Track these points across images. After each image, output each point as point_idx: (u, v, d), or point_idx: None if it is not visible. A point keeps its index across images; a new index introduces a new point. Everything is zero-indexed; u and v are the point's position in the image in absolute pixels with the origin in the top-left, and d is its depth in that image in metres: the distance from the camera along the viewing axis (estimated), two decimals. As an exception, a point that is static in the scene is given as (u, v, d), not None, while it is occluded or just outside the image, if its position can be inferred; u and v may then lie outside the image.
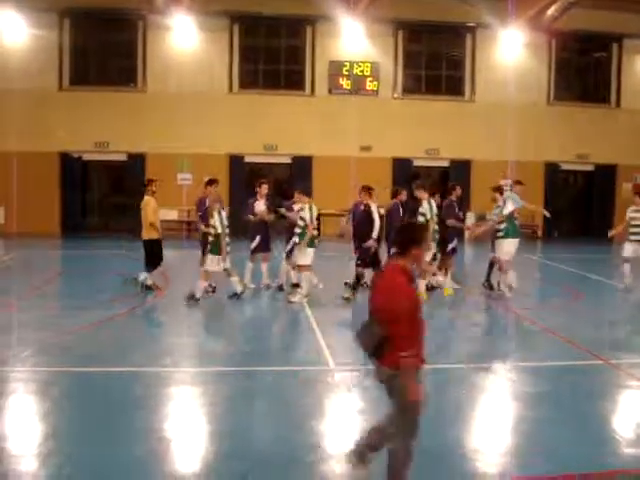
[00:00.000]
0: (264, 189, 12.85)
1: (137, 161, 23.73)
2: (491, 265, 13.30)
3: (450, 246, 13.06)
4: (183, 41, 23.52)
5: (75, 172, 23.57)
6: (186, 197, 22.36)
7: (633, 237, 13.66)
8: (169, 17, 22.97)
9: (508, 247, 12.52)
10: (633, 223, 13.66)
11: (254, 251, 12.91)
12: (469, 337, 10.41)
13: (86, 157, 23.97)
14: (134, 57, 24.09)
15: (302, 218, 11.82)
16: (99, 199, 24.97)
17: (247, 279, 12.85)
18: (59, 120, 23.09)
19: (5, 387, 7.26)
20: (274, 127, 23.99)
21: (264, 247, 12.95)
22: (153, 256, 12.72)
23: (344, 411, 6.78)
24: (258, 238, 12.78)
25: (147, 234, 12.60)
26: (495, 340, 10.01)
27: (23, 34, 22.72)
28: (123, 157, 23.94)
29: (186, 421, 6.42)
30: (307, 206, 11.86)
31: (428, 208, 12.17)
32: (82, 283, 13.29)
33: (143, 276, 12.65)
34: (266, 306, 12.36)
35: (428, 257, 11.98)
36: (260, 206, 12.75)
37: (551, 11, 23.08)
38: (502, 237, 12.59)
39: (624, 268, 13.58)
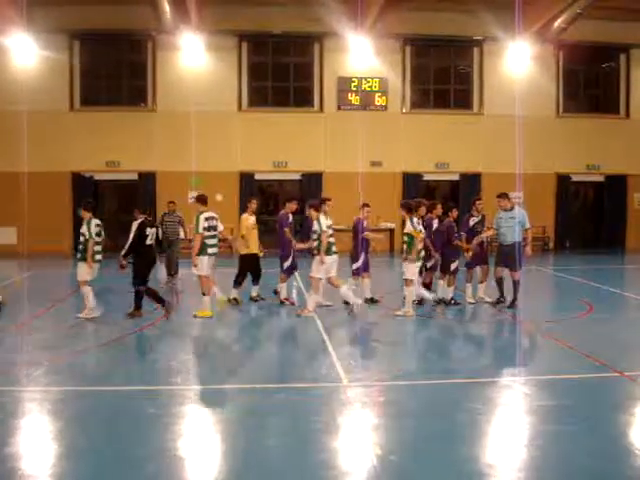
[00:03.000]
0: (329, 206, 12.94)
1: (148, 180, 23.88)
2: (499, 282, 13.29)
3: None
4: (192, 60, 23.67)
5: (87, 192, 23.67)
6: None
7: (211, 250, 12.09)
8: (178, 37, 23.16)
9: (320, 265, 12.06)
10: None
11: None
12: (482, 351, 10.37)
13: (97, 177, 24.13)
14: (144, 77, 24.28)
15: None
16: (110, 218, 25.05)
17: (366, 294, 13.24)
18: (70, 140, 23.30)
19: (18, 407, 7.28)
20: (284, 144, 24.11)
21: None
22: (245, 271, 13.21)
23: (357, 428, 6.74)
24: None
25: (239, 248, 13.19)
26: (508, 353, 9.94)
27: (34, 56, 22.93)
28: (134, 176, 24.07)
29: (199, 439, 6.40)
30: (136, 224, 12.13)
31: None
32: (100, 303, 13.31)
33: (234, 292, 13.18)
34: (279, 321, 12.35)
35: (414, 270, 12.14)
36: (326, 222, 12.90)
37: (558, 23, 23.08)
38: (317, 254, 12.10)
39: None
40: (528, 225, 13.20)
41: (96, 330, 11.32)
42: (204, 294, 11.98)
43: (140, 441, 6.34)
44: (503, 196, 13.37)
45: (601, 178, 25.96)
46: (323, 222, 12.08)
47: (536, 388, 7.98)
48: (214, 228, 12.12)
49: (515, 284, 12.88)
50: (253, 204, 13.61)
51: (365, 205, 13.36)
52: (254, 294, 13.53)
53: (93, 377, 8.55)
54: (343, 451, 6.19)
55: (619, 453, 6.11)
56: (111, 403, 7.48)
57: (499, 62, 24.89)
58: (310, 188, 23.77)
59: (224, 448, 6.28)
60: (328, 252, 12.05)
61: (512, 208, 13.18)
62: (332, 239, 12.21)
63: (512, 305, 12.90)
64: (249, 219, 13.38)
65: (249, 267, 13.35)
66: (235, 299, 13.17)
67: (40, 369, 8.64)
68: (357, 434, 6.57)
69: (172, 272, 16.16)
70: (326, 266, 12.08)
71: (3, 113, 22.61)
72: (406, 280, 12.17)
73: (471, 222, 13.47)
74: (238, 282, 13.31)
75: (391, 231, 23.18)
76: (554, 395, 7.70)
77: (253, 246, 13.31)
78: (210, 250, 11.97)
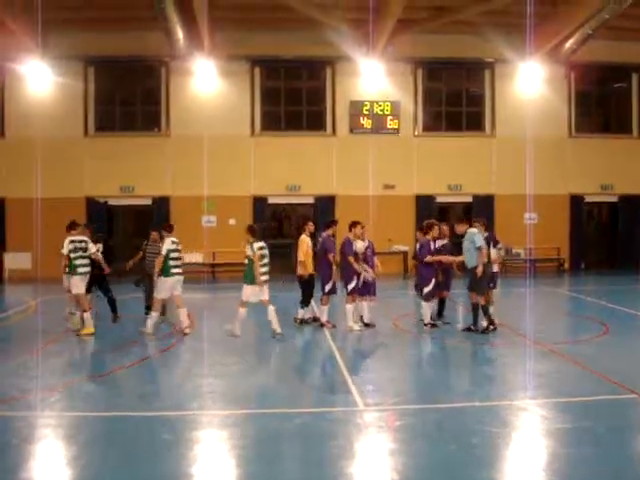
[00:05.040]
0: (359, 229, 13.14)
1: (162, 205, 23.99)
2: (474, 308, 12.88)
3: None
4: (205, 85, 23.89)
5: (101, 217, 23.83)
6: (210, 240, 22.52)
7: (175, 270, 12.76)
8: (191, 62, 23.39)
9: (162, 286, 12.47)
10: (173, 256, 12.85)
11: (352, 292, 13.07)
12: (498, 373, 10.27)
13: (112, 202, 24.28)
14: (157, 103, 24.50)
15: None
16: (124, 243, 25.11)
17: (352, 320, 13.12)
18: (85, 166, 23.53)
19: (34, 432, 7.26)
20: (297, 168, 24.21)
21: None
22: (305, 292, 13.44)
23: (374, 453, 6.69)
24: (356, 279, 12.99)
25: (299, 271, 13.35)
26: (524, 375, 9.85)
27: (49, 82, 23.23)
28: (148, 201, 24.21)
29: (215, 465, 6.37)
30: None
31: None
32: (108, 328, 13.36)
33: (301, 313, 13.58)
34: (293, 345, 12.30)
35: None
36: (359, 245, 13.08)
37: (569, 44, 23.15)
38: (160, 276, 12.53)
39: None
40: (477, 244, 12.35)
41: (110, 355, 11.33)
42: (84, 311, 12.58)
43: (155, 467, 6.31)
44: (459, 221, 13.17)
45: (615, 198, 25.86)
46: (166, 246, 12.46)
47: (553, 410, 7.90)
48: (83, 250, 12.76)
49: (473, 307, 12.62)
50: (310, 226, 13.71)
51: (354, 224, 13.25)
52: (300, 317, 13.67)
53: (107, 403, 8.53)
54: (360, 476, 6.13)
55: (637, 476, 6.02)
56: (125, 429, 7.46)
57: (511, 84, 24.95)
58: (323, 211, 23.78)
59: (240, 474, 6.23)
60: (167, 273, 12.44)
61: (466, 231, 12.74)
62: (175, 262, 12.58)
63: (468, 329, 12.61)
64: (308, 241, 13.48)
65: (312, 287, 13.48)
66: (314, 318, 13.71)
67: (54, 395, 8.64)
68: (374, 459, 6.52)
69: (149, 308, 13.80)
70: (168, 286, 12.48)
71: (18, 139, 22.88)
72: (263, 301, 12.32)
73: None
74: (306, 303, 13.58)
75: (404, 254, 23.13)
76: (571, 417, 7.61)
77: (311, 267, 13.47)
78: (80, 270, 12.67)
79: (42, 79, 23.14)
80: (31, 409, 8.07)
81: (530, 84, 24.54)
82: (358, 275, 12.95)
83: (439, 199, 25.09)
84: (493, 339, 12.31)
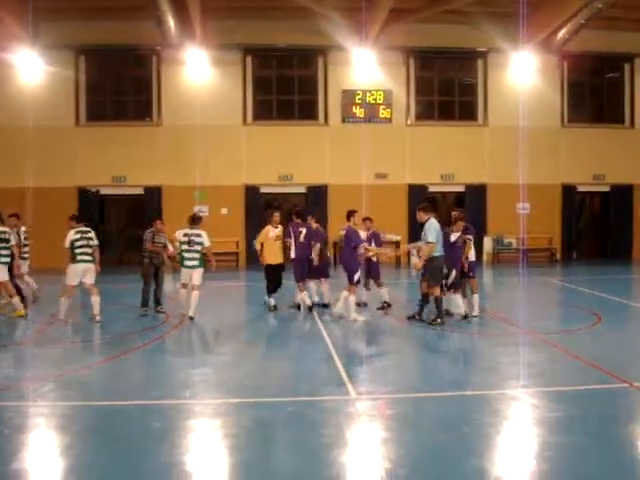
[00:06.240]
0: (357, 217, 13.38)
1: (153, 194, 23.92)
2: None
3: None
4: (197, 75, 23.76)
5: (92, 206, 23.74)
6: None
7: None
8: (183, 51, 23.26)
9: (70, 272, 12.88)
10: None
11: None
12: (489, 363, 10.29)
13: (103, 191, 24.17)
14: (149, 92, 24.37)
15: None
16: (116, 232, 25.08)
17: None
18: (76, 156, 23.40)
19: (26, 422, 7.26)
20: (289, 157, 24.15)
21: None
22: (268, 281, 14.10)
23: (366, 441, 6.70)
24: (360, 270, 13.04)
25: (261, 260, 14.13)
26: (516, 365, 9.88)
27: (39, 72, 23.02)
28: (140, 190, 24.11)
29: (206, 454, 6.36)
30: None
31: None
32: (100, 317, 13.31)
33: (265, 298, 14.34)
34: (283, 332, 12.31)
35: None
36: (362, 234, 13.30)
37: (562, 33, 23.12)
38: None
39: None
40: (428, 239, 12.03)
41: (102, 345, 11.33)
42: (11, 296, 13.20)
43: (147, 456, 6.31)
44: (423, 209, 12.43)
45: (607, 188, 25.92)
46: (69, 237, 12.92)
47: (545, 400, 7.92)
48: (6, 241, 13.27)
49: (434, 300, 12.35)
50: (276, 217, 14.08)
51: (352, 212, 13.32)
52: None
53: (100, 392, 8.53)
54: (352, 465, 6.14)
55: (628, 464, 6.05)
56: (118, 418, 7.45)
57: (503, 73, 24.91)
58: (316, 201, 23.77)
59: (232, 462, 6.24)
60: (74, 260, 12.87)
61: (427, 221, 12.26)
62: (81, 249, 12.90)
63: (432, 322, 12.32)
64: (270, 232, 13.87)
65: (270, 276, 14.05)
66: (275, 306, 14.08)
67: (46, 385, 8.62)
68: (366, 447, 6.53)
69: (158, 302, 14.08)
70: (75, 273, 12.83)
71: (9, 128, 22.70)
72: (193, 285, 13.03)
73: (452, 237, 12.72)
74: (269, 290, 14.15)
75: (397, 243, 23.14)
76: (563, 406, 7.63)
77: (274, 257, 13.91)
78: (2, 259, 13.09)
79: (33, 68, 22.93)
80: (23, 399, 8.06)
81: (523, 74, 24.49)
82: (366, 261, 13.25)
83: (432, 188, 25.06)
84: (484, 329, 12.33)
